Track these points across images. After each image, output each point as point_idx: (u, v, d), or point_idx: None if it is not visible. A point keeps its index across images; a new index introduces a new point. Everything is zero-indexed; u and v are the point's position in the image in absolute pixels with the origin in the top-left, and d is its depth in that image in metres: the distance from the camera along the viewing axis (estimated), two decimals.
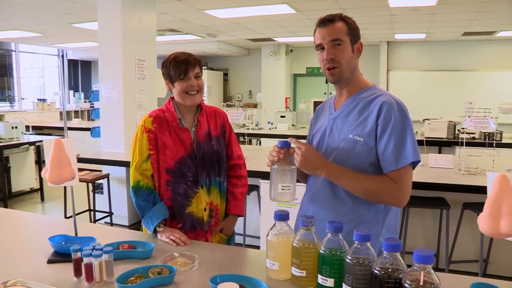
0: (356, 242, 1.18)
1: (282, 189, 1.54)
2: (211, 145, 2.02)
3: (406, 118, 1.55)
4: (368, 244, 1.18)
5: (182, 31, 8.53)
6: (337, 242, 1.26)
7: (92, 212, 4.75)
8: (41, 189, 6.39)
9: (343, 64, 1.59)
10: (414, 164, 1.56)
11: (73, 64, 12.82)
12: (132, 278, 1.43)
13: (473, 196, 3.29)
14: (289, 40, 10.24)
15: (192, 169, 1.97)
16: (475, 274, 3.40)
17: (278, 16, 7.05)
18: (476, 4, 6.03)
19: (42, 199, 6.34)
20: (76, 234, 1.84)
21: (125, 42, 4.79)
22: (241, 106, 4.69)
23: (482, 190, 3.07)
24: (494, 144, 4.49)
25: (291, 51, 11.50)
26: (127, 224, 4.89)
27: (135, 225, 4.87)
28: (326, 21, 1.59)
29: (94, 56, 12.07)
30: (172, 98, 2.03)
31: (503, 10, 6.41)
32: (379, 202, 1.58)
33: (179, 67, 1.90)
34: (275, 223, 1.44)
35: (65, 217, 4.71)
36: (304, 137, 1.89)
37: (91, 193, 4.73)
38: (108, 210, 4.76)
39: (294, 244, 1.36)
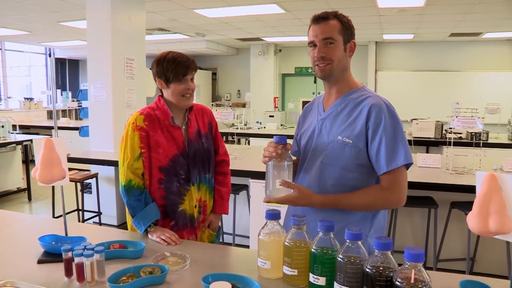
0: (348, 240, 1.20)
1: (279, 185, 1.53)
2: (201, 143, 2.04)
3: (396, 120, 1.55)
4: (359, 242, 1.19)
5: (171, 30, 8.49)
6: (329, 241, 1.28)
7: (80, 212, 4.71)
8: (28, 188, 6.31)
9: (334, 62, 1.58)
10: (407, 166, 1.57)
11: (60, 63, 12.68)
12: (123, 278, 1.42)
13: (460, 195, 3.34)
14: (278, 39, 10.26)
15: (185, 167, 1.98)
16: (463, 272, 3.45)
17: (267, 16, 7.06)
18: (463, 6, 6.11)
19: (29, 199, 6.26)
20: (66, 234, 1.83)
21: (114, 41, 4.75)
22: (230, 106, 4.69)
23: (469, 189, 3.11)
24: (481, 144, 4.55)
25: (280, 50, 11.52)
26: (116, 223, 4.86)
27: (124, 225, 4.81)
28: (320, 19, 1.58)
29: (82, 55, 11.95)
30: (162, 96, 2.02)
31: (489, 12, 6.50)
32: (380, 210, 1.62)
33: (179, 69, 1.90)
34: (266, 222, 1.45)
35: (53, 216, 4.66)
36: (292, 137, 1.90)
37: (79, 193, 4.70)
38: (96, 210, 4.73)
39: (286, 243, 1.36)
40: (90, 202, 4.88)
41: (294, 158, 1.73)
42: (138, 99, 5.10)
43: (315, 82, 11.09)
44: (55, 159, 1.64)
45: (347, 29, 1.60)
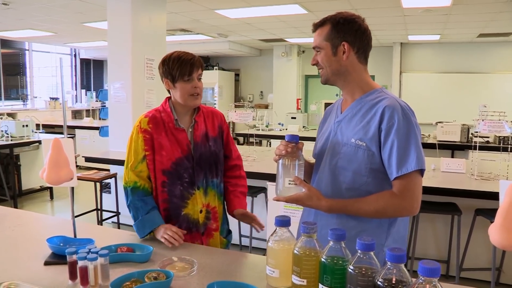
0: (359, 251, 1.12)
1: (289, 183, 1.49)
2: (208, 146, 1.98)
3: (411, 123, 1.46)
4: (372, 253, 1.12)
5: (193, 31, 8.51)
6: (340, 251, 1.20)
7: (99, 212, 4.74)
8: (50, 187, 6.40)
9: (324, 68, 1.59)
10: (421, 172, 1.48)
11: (85, 63, 12.91)
12: (127, 283, 1.38)
13: (486, 202, 3.20)
14: (301, 40, 10.17)
15: (189, 170, 1.92)
16: (488, 283, 3.31)
17: (289, 17, 6.99)
18: (492, 5, 5.90)
19: (52, 197, 6.36)
20: (75, 236, 1.81)
21: (135, 41, 4.77)
22: (251, 107, 4.64)
23: (495, 196, 2.94)
24: (509, 149, 4.36)
25: (303, 52, 11.42)
26: None
27: None
28: (314, 27, 1.61)
29: (106, 56, 12.11)
30: (169, 98, 1.99)
31: None
32: (391, 217, 1.53)
33: (184, 67, 1.86)
34: (276, 229, 1.39)
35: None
36: (314, 139, 1.85)
37: (98, 193, 4.73)
38: (115, 210, 4.75)
39: (295, 251, 1.30)
40: (109, 202, 4.91)
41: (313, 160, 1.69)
42: (158, 100, 5.09)
43: None
44: (62, 160, 1.62)
45: (337, 31, 1.54)
